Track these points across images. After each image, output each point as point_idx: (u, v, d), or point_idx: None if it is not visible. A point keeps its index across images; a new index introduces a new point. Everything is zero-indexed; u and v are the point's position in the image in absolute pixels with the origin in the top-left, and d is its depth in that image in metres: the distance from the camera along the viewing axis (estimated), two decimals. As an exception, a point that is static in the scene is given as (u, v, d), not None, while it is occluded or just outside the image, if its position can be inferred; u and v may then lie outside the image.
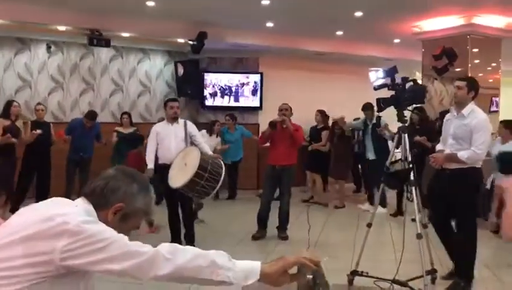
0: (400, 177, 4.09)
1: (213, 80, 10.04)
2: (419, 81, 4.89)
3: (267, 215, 5.94)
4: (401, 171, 4.08)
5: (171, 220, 5.44)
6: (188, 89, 9.77)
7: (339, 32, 9.02)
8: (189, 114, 10.05)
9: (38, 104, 7.33)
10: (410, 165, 4.02)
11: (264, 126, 9.37)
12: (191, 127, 5.48)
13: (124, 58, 9.63)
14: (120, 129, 7.70)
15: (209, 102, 10.07)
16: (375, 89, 4.16)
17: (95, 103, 9.20)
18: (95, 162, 7.31)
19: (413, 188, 4.00)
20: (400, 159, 4.15)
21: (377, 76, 4.12)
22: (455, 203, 4.16)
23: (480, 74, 7.86)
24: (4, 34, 8.16)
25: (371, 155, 7.33)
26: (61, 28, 7.58)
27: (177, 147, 5.26)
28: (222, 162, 4.97)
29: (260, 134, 6.29)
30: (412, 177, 3.99)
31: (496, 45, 8.18)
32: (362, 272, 4.31)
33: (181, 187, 4.70)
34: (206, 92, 10.01)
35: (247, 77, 10.05)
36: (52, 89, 8.89)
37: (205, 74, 9.98)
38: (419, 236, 3.92)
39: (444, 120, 4.37)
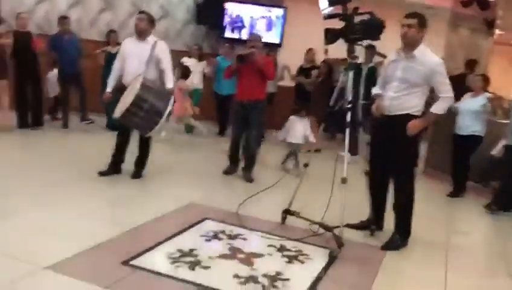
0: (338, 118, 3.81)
1: (234, 10, 9.73)
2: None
3: (237, 151, 5.80)
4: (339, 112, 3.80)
5: (116, 145, 5.23)
6: (207, 17, 9.55)
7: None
8: (208, 44, 9.89)
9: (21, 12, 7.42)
10: (349, 106, 3.73)
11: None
12: (160, 50, 4.94)
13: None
14: (109, 48, 7.83)
15: (228, 33, 9.81)
16: (325, 18, 3.81)
17: (112, 23, 9.23)
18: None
19: (347, 129, 3.73)
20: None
21: (327, 3, 3.74)
22: (394, 155, 3.85)
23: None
24: None
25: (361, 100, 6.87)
26: None
27: (137, 68, 4.83)
28: (170, 102, 4.67)
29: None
30: (348, 119, 3.71)
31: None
32: (294, 212, 4.19)
33: (117, 119, 4.64)
34: (226, 23, 9.74)
35: (270, 11, 9.66)
36: (72, 4, 8.99)
37: (226, 3, 9.67)
38: (343, 181, 3.70)
39: (387, 61, 3.98)
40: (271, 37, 9.63)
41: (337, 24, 3.81)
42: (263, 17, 9.67)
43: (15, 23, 7.29)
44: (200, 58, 8.75)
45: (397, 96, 3.81)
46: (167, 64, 5.04)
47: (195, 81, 8.61)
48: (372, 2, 9.03)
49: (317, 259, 3.56)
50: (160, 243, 3.51)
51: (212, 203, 4.62)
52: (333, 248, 3.66)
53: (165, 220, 4.07)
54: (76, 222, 3.78)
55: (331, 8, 3.79)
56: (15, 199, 4.15)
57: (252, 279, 3.10)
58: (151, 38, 5.03)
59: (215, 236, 3.78)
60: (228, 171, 5.79)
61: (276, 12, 9.63)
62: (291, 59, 8.92)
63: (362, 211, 4.28)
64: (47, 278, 2.81)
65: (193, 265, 3.20)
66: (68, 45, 7.60)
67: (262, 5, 9.68)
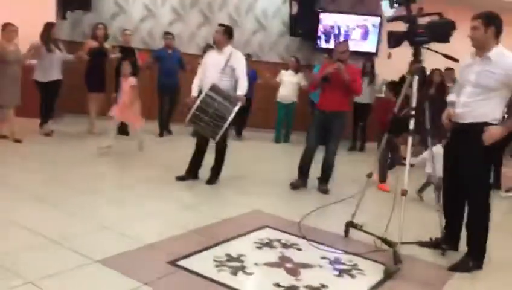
0: (401, 124, 3.57)
1: (329, 20, 9.64)
2: None
3: (310, 162, 5.56)
4: (402, 118, 3.56)
5: (194, 152, 5.40)
6: (301, 28, 9.58)
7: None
8: (303, 56, 9.90)
9: (126, 29, 8.07)
10: (413, 112, 3.47)
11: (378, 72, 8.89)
12: (235, 59, 5.15)
13: (242, -6, 9.81)
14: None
15: (322, 43, 9.74)
16: (388, 21, 3.60)
17: (210, 36, 9.64)
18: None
19: (409, 137, 3.47)
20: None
21: (389, 5, 3.52)
22: (467, 167, 3.50)
23: None
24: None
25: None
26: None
27: (212, 77, 5.06)
28: (236, 107, 4.82)
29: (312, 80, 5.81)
30: (411, 126, 3.46)
31: None
32: (357, 224, 3.99)
33: (187, 124, 4.90)
34: (320, 33, 9.68)
35: (365, 19, 9.41)
36: (172, 20, 9.58)
37: (321, 13, 9.62)
38: (404, 192, 3.44)
39: (462, 65, 3.62)
40: (367, 46, 9.38)
41: (402, 27, 3.59)
42: (359, 26, 9.45)
43: (121, 39, 7.99)
44: (297, 70, 8.80)
45: (471, 102, 3.48)
46: (241, 72, 5.17)
47: (290, 93, 8.68)
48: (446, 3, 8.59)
49: (371, 275, 3.35)
50: (210, 246, 3.55)
51: (277, 212, 4.59)
52: (391, 264, 3.42)
53: (225, 225, 4.12)
54: (141, 221, 3.98)
55: (394, 10, 3.58)
56: (96, 196, 4.50)
57: (292, 289, 3.00)
58: (227, 49, 5.20)
59: (269, 244, 3.74)
60: (296, 186, 5.51)
61: (372, 20, 9.36)
62: (388, 68, 8.59)
63: (431, 226, 3.95)
64: (92, 270, 2.99)
65: (236, 270, 3.19)
66: (170, 58, 8.12)
67: (358, 14, 9.47)
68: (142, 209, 4.29)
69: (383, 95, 8.31)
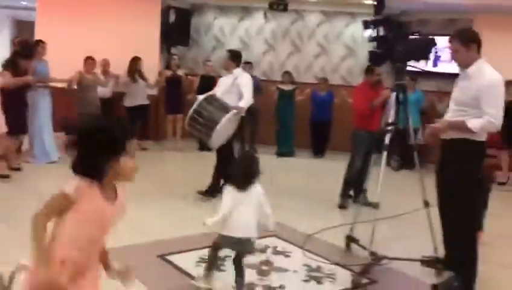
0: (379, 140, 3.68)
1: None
2: None
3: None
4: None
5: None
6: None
7: None
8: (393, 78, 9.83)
9: (208, 60, 9.06)
10: (388, 128, 3.57)
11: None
12: (241, 79, 5.57)
13: (330, 23, 10.14)
14: (281, 86, 8.94)
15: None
16: (369, 41, 3.76)
17: (299, 64, 10.17)
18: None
19: (384, 153, 3.56)
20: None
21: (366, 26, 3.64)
22: (445, 180, 3.44)
23: None
24: (231, 4, 10.02)
25: None
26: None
27: (221, 94, 5.48)
28: (230, 114, 5.13)
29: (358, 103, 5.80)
30: (386, 142, 3.55)
31: None
32: (354, 238, 4.10)
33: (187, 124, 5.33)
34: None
35: (455, 40, 9.06)
36: (265, 50, 10.32)
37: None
38: (375, 205, 3.53)
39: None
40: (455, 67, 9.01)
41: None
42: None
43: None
44: None
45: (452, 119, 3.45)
46: (245, 89, 5.54)
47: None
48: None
49: (340, 284, 3.49)
50: (206, 247, 3.99)
51: (297, 225, 4.81)
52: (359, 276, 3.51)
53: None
54: (158, 221, 4.61)
55: (371, 30, 3.73)
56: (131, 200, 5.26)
57: (250, 286, 3.31)
58: (236, 72, 5.67)
59: (262, 249, 4.05)
60: (345, 206, 5.61)
61: (463, 41, 8.98)
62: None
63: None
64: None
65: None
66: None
67: (448, 35, 9.15)
68: (170, 217, 4.90)
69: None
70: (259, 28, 10.27)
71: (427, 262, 3.82)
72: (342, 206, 5.62)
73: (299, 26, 10.21)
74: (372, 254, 3.76)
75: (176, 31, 9.52)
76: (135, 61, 8.14)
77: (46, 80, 6.77)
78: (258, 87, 8.97)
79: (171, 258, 3.74)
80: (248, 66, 9.10)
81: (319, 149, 9.14)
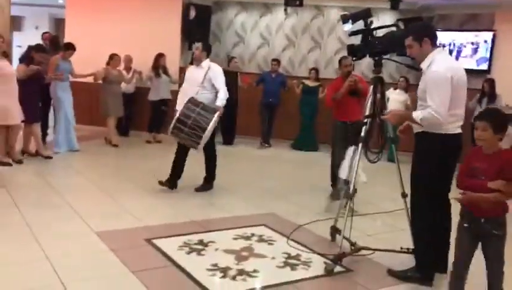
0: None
1: (439, 38, 9.32)
2: None
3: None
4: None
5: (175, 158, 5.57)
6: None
7: None
8: (413, 75, 9.74)
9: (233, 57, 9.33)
10: (365, 120, 3.64)
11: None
12: (213, 72, 5.40)
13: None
14: (307, 82, 8.95)
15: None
16: (350, 35, 3.83)
17: (320, 60, 10.21)
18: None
19: (359, 145, 3.64)
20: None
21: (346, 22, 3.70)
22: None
23: None
24: (251, 0, 10.17)
25: None
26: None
27: (191, 90, 5.36)
28: (213, 119, 5.06)
29: (328, 97, 5.75)
30: (362, 134, 3.62)
31: None
32: (338, 229, 4.18)
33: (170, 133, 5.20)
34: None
35: (477, 36, 8.89)
36: (285, 46, 10.42)
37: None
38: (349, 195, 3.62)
39: None
40: (477, 62, 8.86)
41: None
42: (470, 42, 8.96)
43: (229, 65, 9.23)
44: (406, 90, 8.85)
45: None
46: (220, 84, 5.43)
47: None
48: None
49: (313, 270, 3.60)
50: (192, 233, 4.19)
51: (293, 217, 4.90)
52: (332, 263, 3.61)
53: (229, 219, 4.69)
54: (154, 211, 4.85)
55: (352, 25, 3.80)
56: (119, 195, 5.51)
57: (226, 269, 3.47)
58: (205, 64, 5.50)
59: (247, 237, 4.20)
60: (337, 197, 5.44)
61: (485, 36, 8.80)
62: (502, 84, 8.10)
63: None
64: (85, 236, 3.92)
65: (192, 251, 3.79)
66: (273, 81, 9.27)
67: (469, 30, 9.00)
68: (164, 208, 5.11)
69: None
70: (279, 24, 10.38)
71: (405, 253, 3.87)
72: (332, 197, 5.63)
73: (319, 22, 10.27)
74: (352, 244, 3.86)
75: (197, 28, 9.75)
76: (160, 57, 8.58)
77: (74, 76, 7.32)
78: (284, 83, 9.25)
79: (156, 242, 3.95)
80: (275, 63, 9.34)
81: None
